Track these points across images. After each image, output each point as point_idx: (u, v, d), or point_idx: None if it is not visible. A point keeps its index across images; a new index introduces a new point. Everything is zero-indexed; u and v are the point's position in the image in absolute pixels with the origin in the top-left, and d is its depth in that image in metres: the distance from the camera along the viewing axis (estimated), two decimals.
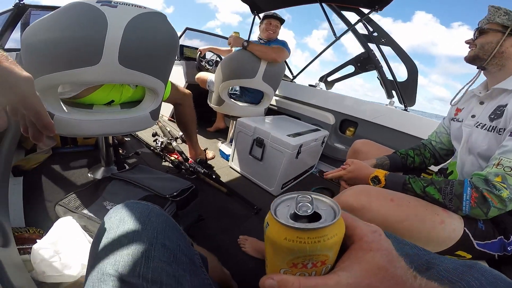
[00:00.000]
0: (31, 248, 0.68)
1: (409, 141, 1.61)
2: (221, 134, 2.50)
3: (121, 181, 1.05)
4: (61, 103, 0.96)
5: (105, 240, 0.38)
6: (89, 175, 1.37)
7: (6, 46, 1.40)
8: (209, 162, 1.80)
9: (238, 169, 1.76)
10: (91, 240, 0.74)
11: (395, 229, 0.61)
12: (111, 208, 0.87)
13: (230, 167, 1.82)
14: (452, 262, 0.38)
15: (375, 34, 1.92)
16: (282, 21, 1.93)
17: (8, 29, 1.02)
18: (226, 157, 1.94)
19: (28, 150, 1.37)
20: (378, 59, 1.98)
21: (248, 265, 0.99)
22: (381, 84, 2.02)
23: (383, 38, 1.90)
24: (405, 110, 1.89)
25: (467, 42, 0.77)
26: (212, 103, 1.92)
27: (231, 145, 1.80)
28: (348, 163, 0.88)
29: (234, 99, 1.99)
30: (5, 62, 0.30)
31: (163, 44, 0.95)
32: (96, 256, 0.36)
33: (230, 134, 2.14)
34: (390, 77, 1.95)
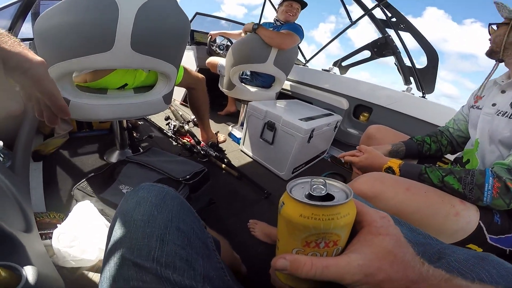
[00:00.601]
0: (52, 233, 0.69)
1: (426, 128, 1.57)
2: (232, 118, 2.50)
3: (136, 164, 1.07)
4: (77, 88, 0.98)
5: (122, 224, 0.39)
6: (104, 158, 1.41)
7: (18, 37, 1.39)
8: (220, 145, 1.81)
9: (249, 153, 1.77)
10: (108, 224, 0.76)
11: (408, 219, 0.60)
12: (126, 192, 0.89)
13: (241, 150, 1.83)
14: (464, 253, 0.38)
15: (394, 19, 1.84)
16: (304, 4, 1.84)
17: (19, 19, 1.02)
18: (237, 140, 1.95)
19: (46, 135, 1.42)
20: (396, 45, 1.93)
21: (256, 250, 1.00)
22: (398, 70, 1.98)
23: (402, 23, 1.82)
24: (423, 97, 1.84)
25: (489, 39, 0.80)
26: (223, 87, 1.91)
27: (242, 128, 1.80)
28: (362, 150, 0.86)
29: (245, 83, 1.97)
30: (18, 48, 0.30)
31: (174, 29, 0.94)
32: (113, 240, 0.37)
33: (241, 118, 2.15)
34: (408, 63, 1.90)
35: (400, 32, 1.86)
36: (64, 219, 0.76)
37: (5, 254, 0.42)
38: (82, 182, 0.98)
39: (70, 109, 0.92)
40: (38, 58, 0.32)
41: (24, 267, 0.41)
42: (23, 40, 1.38)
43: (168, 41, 0.95)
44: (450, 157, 0.98)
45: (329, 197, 0.28)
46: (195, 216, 0.46)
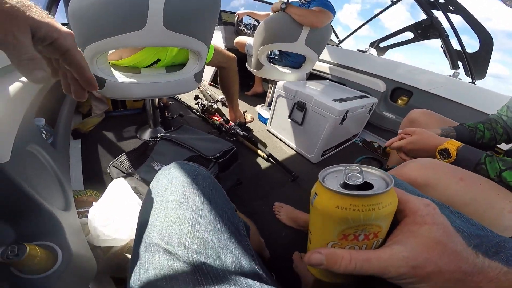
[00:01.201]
0: (88, 211, 0.69)
1: (473, 115, 1.46)
2: (259, 98, 2.47)
3: (168, 141, 1.08)
4: (112, 68, 1.00)
5: (153, 204, 0.38)
6: (138, 136, 1.45)
7: None
8: (247, 125, 1.80)
9: (276, 133, 1.74)
10: (140, 202, 0.74)
11: (459, 210, 0.56)
12: (158, 169, 0.89)
13: (268, 130, 1.81)
14: None
15: (441, 0, 1.65)
16: None
17: (52, 5, 1.05)
18: (264, 120, 1.93)
19: (84, 114, 1.50)
20: (443, 27, 1.76)
21: (281, 234, 0.98)
22: (445, 54, 1.83)
23: (452, 5, 1.63)
24: (472, 82, 1.69)
25: None
26: (251, 67, 1.87)
27: (269, 109, 1.77)
28: (409, 132, 0.76)
29: (274, 63, 1.90)
30: (47, 18, 0.30)
31: (205, 6, 0.92)
32: (144, 222, 0.37)
33: (268, 98, 2.11)
34: (456, 47, 1.74)
35: (450, 14, 1.68)
36: (100, 197, 0.76)
37: (44, 232, 0.43)
38: (117, 159, 1.01)
39: (106, 88, 0.95)
40: (66, 29, 0.32)
41: (61, 247, 0.43)
42: None
43: (198, 18, 0.93)
44: (504, 146, 0.88)
45: (366, 185, 0.26)
46: (226, 198, 0.45)
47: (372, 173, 0.27)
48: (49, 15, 0.30)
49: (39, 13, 0.29)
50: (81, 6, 0.77)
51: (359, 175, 0.26)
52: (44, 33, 0.29)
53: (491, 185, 0.58)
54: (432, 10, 1.74)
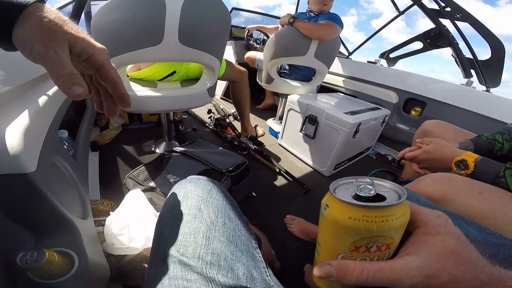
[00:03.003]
0: (104, 220, 0.71)
1: (490, 125, 1.41)
2: (270, 112, 2.50)
3: (182, 155, 1.11)
4: (130, 82, 1.05)
5: (169, 217, 0.39)
6: (153, 149, 1.50)
7: None
8: (259, 139, 1.81)
9: (288, 147, 1.74)
10: (156, 213, 0.78)
11: None
12: (174, 181, 0.89)
13: (280, 144, 1.81)
14: None
15: (448, 9, 1.65)
16: None
17: (75, 19, 1.13)
18: (275, 134, 1.94)
19: (102, 127, 1.57)
20: (452, 36, 1.75)
21: (292, 246, 0.97)
22: (456, 62, 1.80)
23: (458, 13, 1.63)
24: (487, 91, 1.64)
25: None
26: (261, 82, 1.90)
27: (280, 122, 1.77)
28: (426, 141, 0.74)
29: (284, 77, 1.93)
30: (82, 34, 0.30)
31: (217, 22, 0.97)
32: (161, 234, 0.38)
33: (279, 112, 2.12)
34: (468, 55, 1.72)
35: (458, 23, 1.67)
36: (116, 207, 0.78)
37: (63, 238, 0.45)
38: (134, 171, 1.04)
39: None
40: (100, 45, 0.32)
41: (77, 254, 0.44)
42: None
43: (211, 33, 0.98)
44: None
45: (378, 197, 0.26)
46: (239, 211, 0.46)
47: (383, 186, 0.27)
48: (84, 31, 0.31)
49: (75, 28, 0.30)
50: (103, 22, 0.83)
51: (370, 187, 0.26)
52: (80, 48, 0.30)
53: (511, 198, 0.56)
54: (440, 19, 1.74)
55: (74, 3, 1.04)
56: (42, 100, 0.52)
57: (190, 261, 0.33)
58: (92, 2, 1.50)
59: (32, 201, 0.41)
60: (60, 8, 1.14)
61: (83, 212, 0.60)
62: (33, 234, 0.42)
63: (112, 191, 1.08)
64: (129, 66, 1.16)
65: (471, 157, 0.64)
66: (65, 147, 0.74)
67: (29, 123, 0.41)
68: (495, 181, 0.59)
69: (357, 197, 0.26)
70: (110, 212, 0.74)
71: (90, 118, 1.10)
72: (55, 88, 0.59)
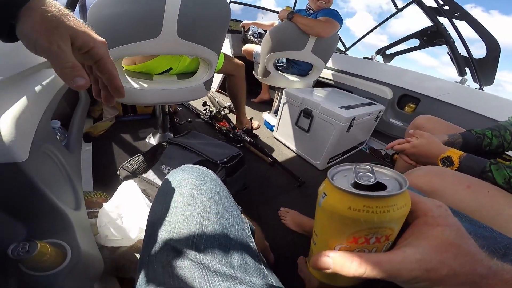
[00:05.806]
0: (97, 212, 0.70)
1: (482, 122, 1.44)
2: (266, 105, 2.50)
3: (176, 146, 1.10)
4: (125, 74, 1.03)
5: (162, 205, 0.39)
6: (147, 140, 1.48)
7: None
8: (254, 132, 1.82)
9: (283, 140, 1.75)
10: (149, 204, 0.76)
11: None
12: (168, 172, 0.91)
13: (274, 137, 1.82)
14: None
15: (446, 7, 1.66)
16: None
17: (70, 10, 1.10)
18: (270, 127, 1.94)
19: (96, 118, 1.54)
20: (449, 34, 1.76)
21: (286, 238, 0.99)
22: (452, 60, 1.82)
23: (456, 11, 1.64)
24: (481, 89, 1.68)
25: None
26: (258, 75, 1.89)
27: (276, 116, 1.78)
28: (417, 134, 0.75)
29: (281, 71, 1.92)
30: (83, 27, 0.31)
31: (217, 15, 0.95)
32: (154, 222, 0.38)
33: (274, 106, 2.12)
34: (463, 53, 1.74)
35: (455, 21, 1.68)
36: (109, 199, 0.77)
37: (55, 229, 0.44)
38: (127, 162, 1.02)
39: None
40: (100, 38, 0.33)
41: (70, 246, 0.43)
42: None
43: (210, 27, 0.96)
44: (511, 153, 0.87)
45: (378, 186, 0.24)
46: (232, 200, 0.46)
47: (384, 173, 0.26)
48: (85, 24, 0.32)
49: (76, 22, 0.31)
50: (100, 14, 0.81)
51: (370, 174, 0.25)
52: (81, 42, 0.31)
53: (500, 192, 0.57)
54: (437, 17, 1.74)
55: None
56: (34, 90, 0.50)
57: (184, 248, 0.33)
58: None
59: (23, 191, 0.40)
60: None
61: (76, 203, 0.59)
62: (24, 225, 0.41)
63: (106, 183, 1.07)
64: (124, 58, 1.13)
65: (455, 154, 0.66)
66: (58, 137, 0.73)
67: (21, 113, 0.40)
68: (482, 175, 0.61)
69: (356, 185, 0.24)
70: (103, 204, 0.73)
71: (83, 109, 1.07)
72: (48, 78, 0.58)
